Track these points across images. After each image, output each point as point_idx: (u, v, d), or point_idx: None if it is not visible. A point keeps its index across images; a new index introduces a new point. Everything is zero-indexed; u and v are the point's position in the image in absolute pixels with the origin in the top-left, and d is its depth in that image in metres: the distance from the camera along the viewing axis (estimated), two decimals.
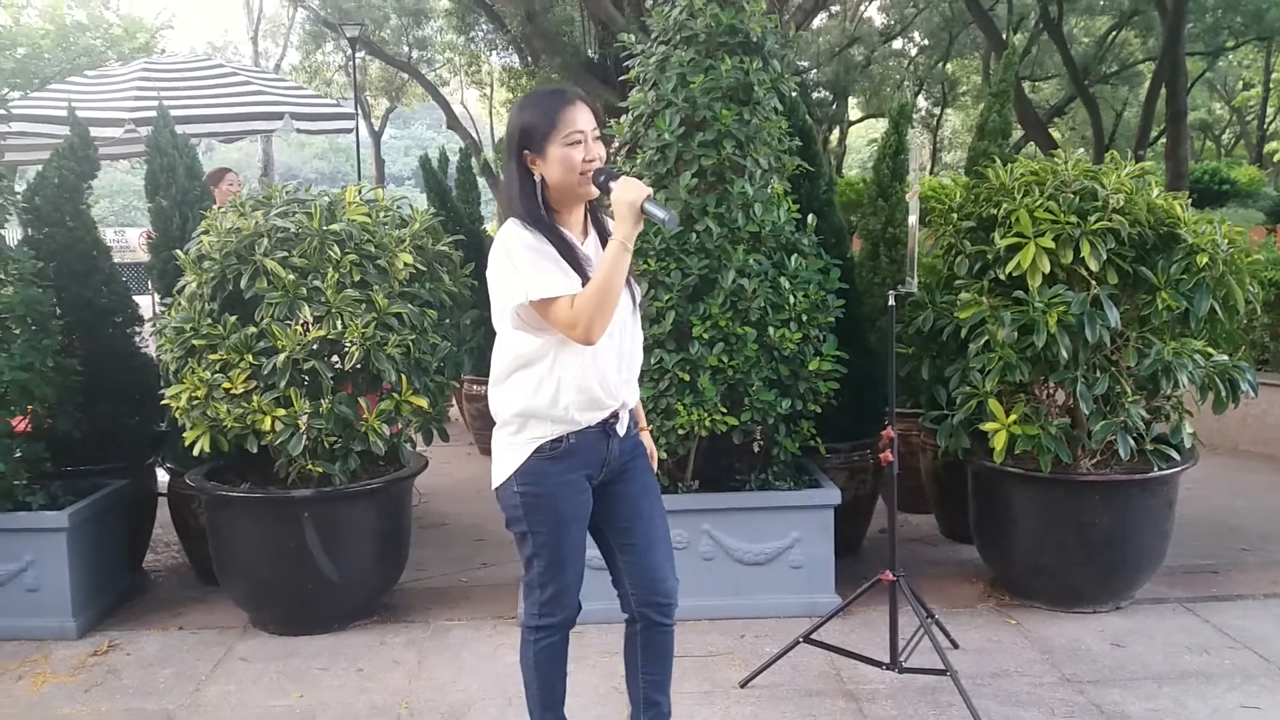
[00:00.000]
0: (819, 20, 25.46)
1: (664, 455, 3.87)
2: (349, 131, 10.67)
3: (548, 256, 2.46)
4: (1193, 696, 3.39)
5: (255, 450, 3.91)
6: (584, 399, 2.53)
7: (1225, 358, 4.00)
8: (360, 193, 4.23)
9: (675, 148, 3.92)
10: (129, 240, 21.66)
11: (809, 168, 4.50)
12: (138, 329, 4.84)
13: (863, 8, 28.75)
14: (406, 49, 28.41)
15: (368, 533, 4.11)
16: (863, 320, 4.78)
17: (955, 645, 3.75)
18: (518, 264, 2.43)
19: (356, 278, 3.91)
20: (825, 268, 4.11)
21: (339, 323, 3.84)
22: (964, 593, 4.34)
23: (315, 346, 3.86)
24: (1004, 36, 20.92)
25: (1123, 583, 4.12)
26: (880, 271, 5.14)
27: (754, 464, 4.17)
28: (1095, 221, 3.81)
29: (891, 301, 3.41)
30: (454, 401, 7.28)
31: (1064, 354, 3.79)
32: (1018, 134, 21.52)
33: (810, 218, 4.20)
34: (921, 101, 31.28)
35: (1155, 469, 3.99)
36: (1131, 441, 3.90)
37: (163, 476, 4.80)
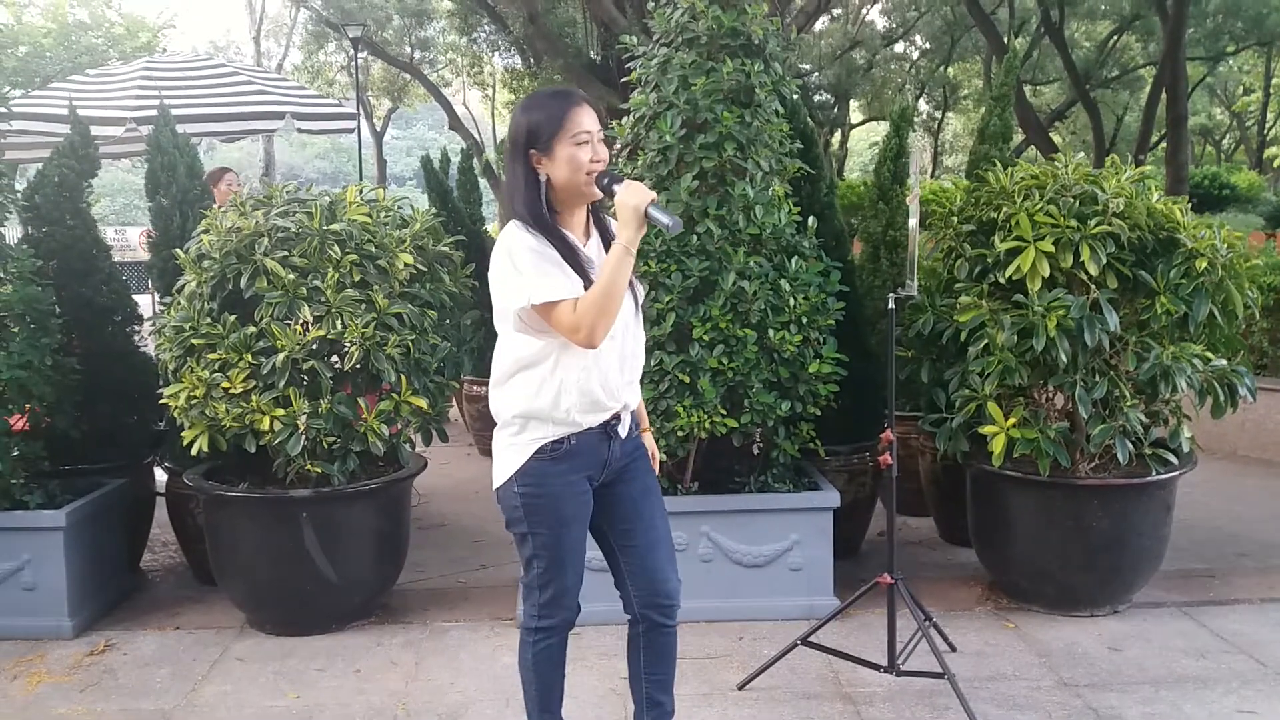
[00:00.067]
0: (821, 23, 25.48)
1: (663, 457, 3.87)
2: (350, 132, 10.68)
3: (550, 259, 2.46)
4: (1190, 701, 3.39)
5: (254, 450, 3.91)
6: (585, 401, 2.53)
7: (1224, 362, 4.00)
8: (361, 193, 4.23)
9: (676, 149, 3.92)
10: (130, 239, 21.65)
11: (810, 170, 4.50)
12: (137, 328, 4.84)
13: (865, 11, 28.76)
14: (409, 50, 28.42)
15: (366, 533, 4.11)
16: (863, 323, 4.78)
17: (953, 648, 3.75)
18: (520, 267, 2.43)
19: (357, 278, 3.91)
20: (826, 270, 4.11)
21: (339, 323, 3.84)
22: (962, 596, 4.34)
23: (315, 346, 3.86)
24: (1005, 40, 20.93)
25: (1120, 587, 4.12)
26: (880, 274, 5.15)
27: (753, 466, 4.17)
28: (1095, 226, 3.81)
29: (891, 304, 3.41)
30: (454, 402, 7.27)
31: (1063, 358, 3.79)
32: (1019, 138, 21.54)
33: (811, 220, 4.20)
34: (923, 105, 31.30)
35: (1153, 473, 3.99)
36: (1130, 445, 3.91)
37: (161, 476, 4.79)
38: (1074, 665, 3.67)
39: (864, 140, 39.73)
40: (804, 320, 3.97)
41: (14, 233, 4.88)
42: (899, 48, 30.35)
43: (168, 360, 3.98)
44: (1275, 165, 30.71)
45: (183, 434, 3.97)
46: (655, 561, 2.70)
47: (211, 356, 3.86)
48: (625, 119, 4.15)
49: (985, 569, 4.42)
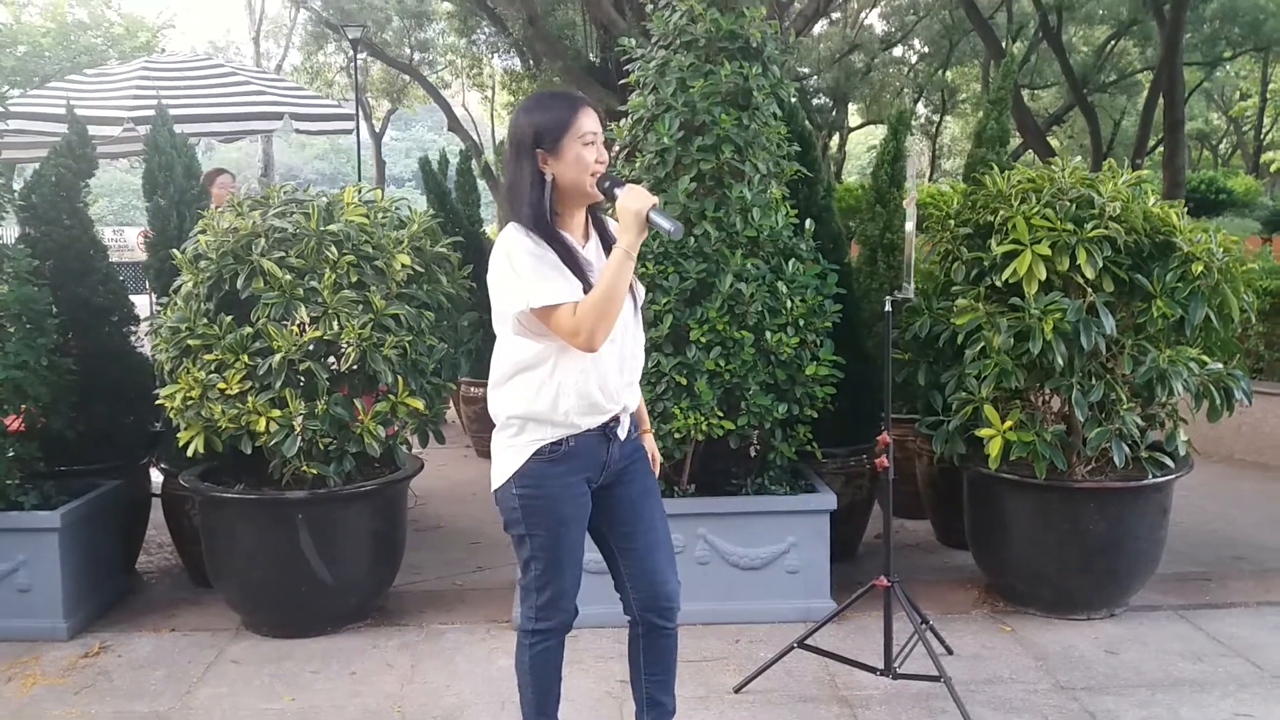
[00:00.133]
0: (820, 27, 25.48)
1: (661, 459, 3.86)
2: (348, 132, 10.68)
3: (549, 262, 2.45)
4: (1186, 704, 3.39)
5: (250, 451, 3.91)
6: (584, 404, 2.53)
7: (1220, 366, 4.00)
8: (359, 194, 4.23)
9: (674, 152, 3.93)
10: (127, 239, 21.65)
11: (807, 173, 4.50)
12: (133, 328, 4.84)
13: (863, 15, 28.78)
14: (408, 51, 28.40)
15: (362, 535, 4.10)
16: (860, 326, 4.78)
17: (950, 651, 3.75)
18: (519, 270, 2.43)
19: (354, 279, 3.91)
20: (823, 273, 4.11)
21: (335, 324, 3.83)
22: (959, 599, 4.34)
23: (311, 347, 3.85)
24: (1003, 45, 20.95)
25: (1117, 590, 4.12)
26: (878, 277, 5.15)
27: (750, 468, 4.17)
28: (1092, 229, 3.81)
29: (888, 307, 3.41)
30: (451, 404, 7.26)
31: (1060, 361, 3.79)
32: (1016, 142, 21.56)
33: (808, 223, 4.20)
34: (921, 109, 31.31)
35: (1150, 476, 3.99)
36: (1126, 449, 3.91)
37: (157, 477, 4.79)
38: (1070, 668, 3.67)
39: (862, 143, 39.77)
40: (801, 323, 3.98)
41: (11, 232, 4.88)
42: (897, 51, 30.35)
43: (164, 361, 3.97)
44: (1272, 170, 30.72)
45: (179, 435, 3.96)
46: (655, 564, 2.70)
47: (208, 357, 3.86)
48: (623, 121, 4.15)
49: (982, 572, 4.42)
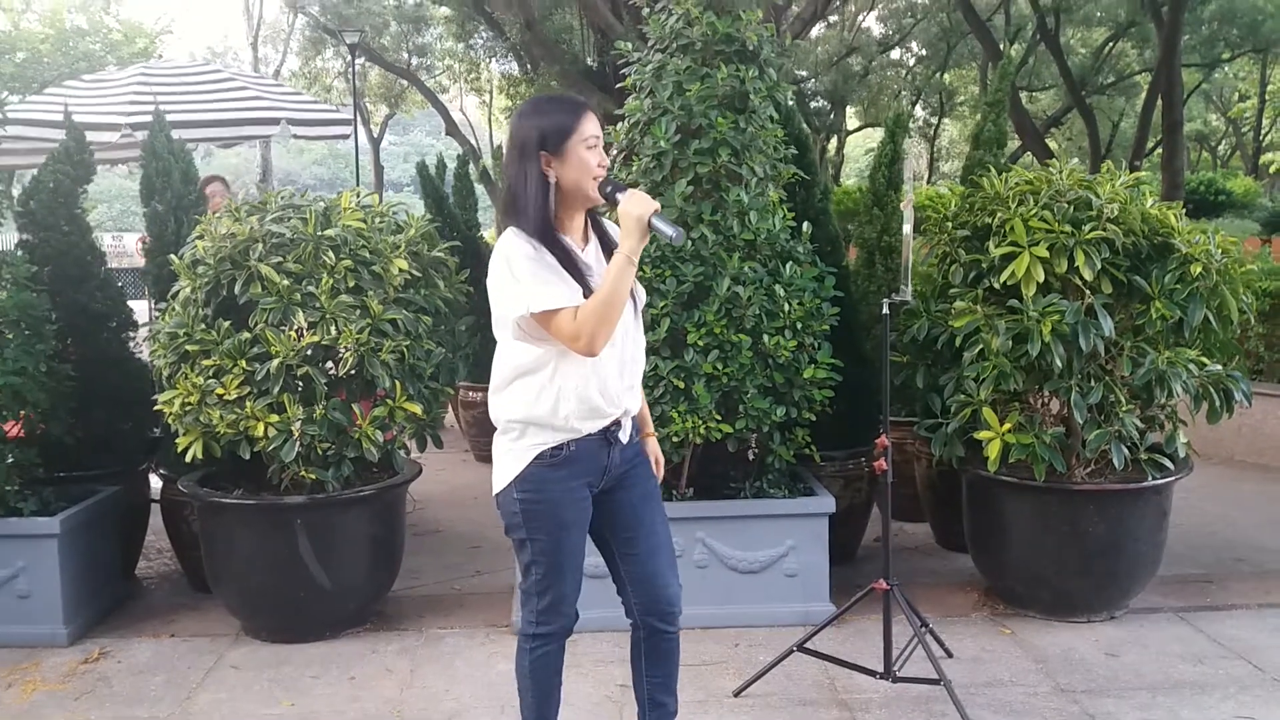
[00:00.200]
0: (817, 30, 25.49)
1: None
2: (346, 137, 10.68)
3: (548, 267, 2.45)
4: (1187, 706, 3.39)
5: (248, 456, 3.90)
6: (585, 408, 2.52)
7: (1219, 367, 4.00)
8: (356, 198, 4.23)
9: (671, 155, 3.93)
10: (127, 245, 21.62)
11: (805, 176, 4.50)
12: (132, 334, 4.83)
13: (861, 18, 28.81)
14: (406, 56, 28.43)
15: (361, 540, 4.09)
16: (858, 328, 4.78)
17: (949, 654, 3.75)
18: (518, 275, 2.43)
19: (351, 283, 3.91)
20: (820, 275, 4.11)
21: (333, 328, 3.83)
22: (958, 602, 4.34)
23: (309, 352, 3.85)
24: (1001, 47, 20.96)
25: (1117, 592, 4.11)
26: (875, 280, 5.15)
27: (749, 472, 4.17)
28: (1090, 231, 3.81)
29: (886, 310, 3.41)
30: (449, 408, 7.26)
31: (1058, 363, 3.79)
32: (1015, 144, 21.58)
33: (806, 226, 4.20)
34: (919, 111, 31.32)
35: (1149, 478, 3.99)
36: (1126, 451, 3.91)
37: (156, 483, 4.78)
38: (1070, 671, 3.67)
39: (860, 146, 39.80)
40: (799, 326, 3.97)
41: (9, 239, 4.87)
42: (895, 54, 30.39)
43: (162, 366, 3.97)
44: (1271, 171, 30.74)
45: (177, 440, 3.96)
46: (656, 568, 2.70)
47: (206, 363, 3.85)
48: (620, 124, 4.15)
49: (981, 574, 4.42)
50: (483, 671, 3.77)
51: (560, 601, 2.64)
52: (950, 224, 4.31)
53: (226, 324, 3.89)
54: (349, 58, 23.44)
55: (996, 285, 3.96)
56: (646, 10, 4.22)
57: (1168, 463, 4.05)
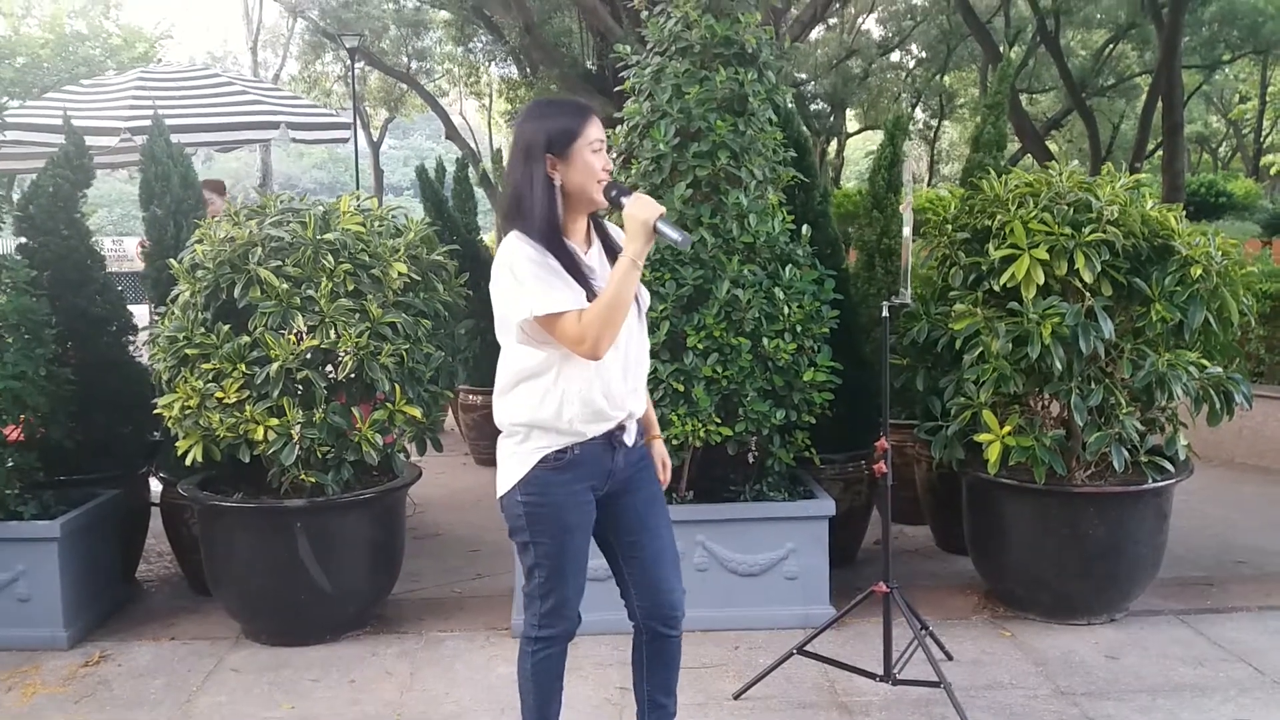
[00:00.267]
0: (817, 32, 25.50)
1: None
2: (345, 141, 10.67)
3: (552, 270, 2.45)
4: (1187, 709, 3.38)
5: (248, 460, 3.91)
6: (588, 411, 2.52)
7: (1220, 370, 4.00)
8: (356, 201, 4.23)
9: (670, 158, 3.93)
10: (127, 249, 21.62)
11: (804, 179, 4.50)
12: (132, 338, 4.83)
13: (861, 20, 28.83)
14: (405, 60, 28.45)
15: (361, 543, 4.10)
16: (857, 331, 4.78)
17: (949, 657, 3.74)
18: (521, 278, 2.43)
19: (350, 287, 3.91)
20: (820, 278, 4.11)
21: (332, 332, 3.83)
22: (958, 604, 4.33)
23: (309, 356, 3.85)
24: (1001, 49, 20.97)
25: (1117, 595, 4.11)
26: (875, 283, 5.14)
27: (748, 475, 4.17)
28: (1090, 233, 3.81)
29: (886, 312, 3.41)
30: (449, 412, 7.26)
31: (1058, 365, 3.79)
32: (1015, 146, 21.58)
33: (805, 229, 4.20)
34: (919, 114, 31.32)
35: (1150, 481, 3.99)
36: (1126, 453, 3.91)
37: (156, 486, 4.78)
38: (1071, 674, 3.66)
39: (861, 149, 39.80)
40: (798, 328, 3.97)
41: (9, 243, 4.88)
42: (895, 57, 30.40)
43: (162, 370, 3.97)
44: (1272, 173, 30.76)
45: (177, 444, 3.96)
46: (661, 572, 2.70)
47: (205, 366, 3.86)
48: (619, 128, 4.15)
49: (981, 577, 4.41)
50: (482, 674, 3.76)
51: (563, 605, 2.64)
52: (950, 226, 4.32)
53: (226, 328, 3.89)
54: (348, 62, 23.46)
55: (996, 288, 3.96)
56: (645, 13, 4.23)
57: (1168, 465, 4.04)
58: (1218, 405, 3.99)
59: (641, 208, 2.42)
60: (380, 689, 3.67)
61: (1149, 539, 4.06)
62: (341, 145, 11.61)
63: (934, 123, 32.38)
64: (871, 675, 3.42)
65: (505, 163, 2.64)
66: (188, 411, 3.86)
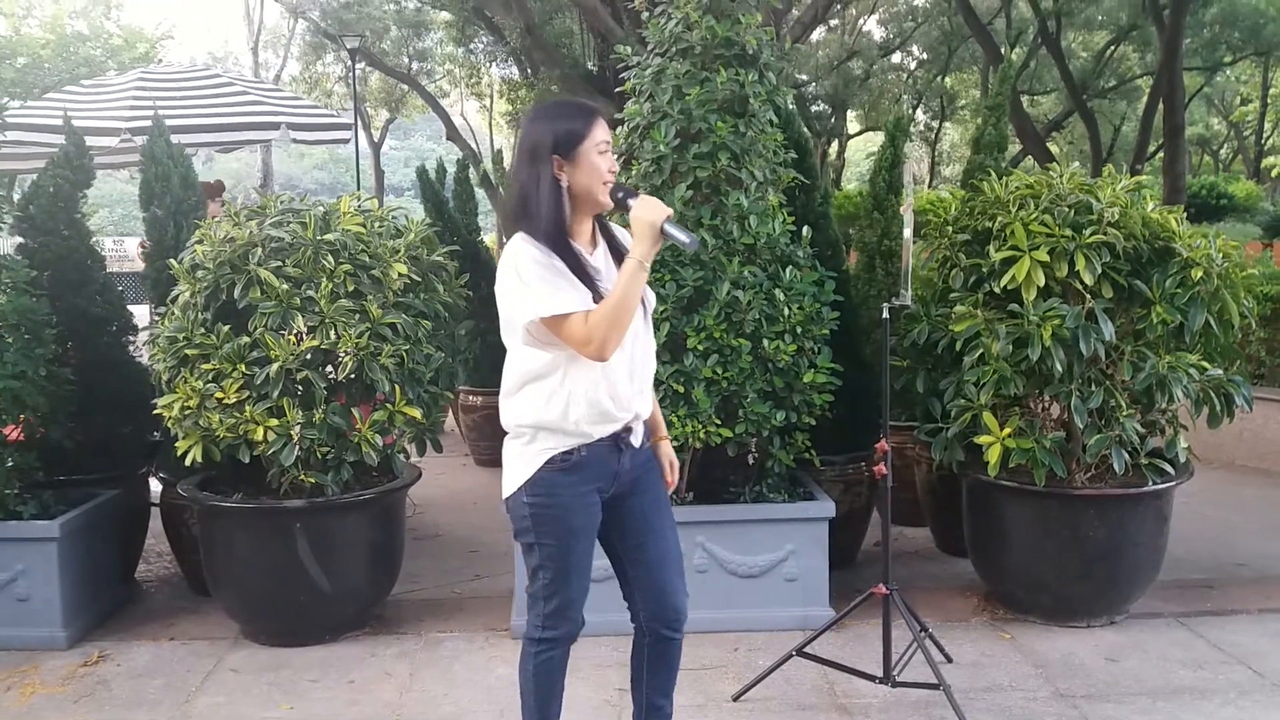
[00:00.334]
0: (818, 34, 25.49)
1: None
2: (346, 142, 10.67)
3: (558, 272, 2.45)
4: (1187, 712, 3.38)
5: (248, 460, 3.90)
6: (595, 413, 2.52)
7: (1220, 372, 4.00)
8: (356, 202, 4.23)
9: (670, 159, 3.93)
10: (128, 249, 21.62)
11: (805, 180, 4.50)
12: (132, 338, 4.83)
13: (862, 21, 28.83)
14: (406, 60, 28.45)
15: (360, 544, 4.09)
16: (858, 333, 4.78)
17: (949, 659, 3.74)
18: (527, 280, 2.42)
19: (350, 288, 3.91)
20: (820, 280, 4.11)
21: (332, 333, 3.83)
22: (958, 606, 4.33)
23: (308, 356, 3.85)
24: (1002, 51, 20.97)
25: (1117, 597, 4.11)
26: (876, 284, 5.14)
27: (748, 476, 4.17)
28: (1090, 235, 3.81)
29: (886, 314, 3.41)
30: (449, 412, 7.26)
31: (1059, 367, 3.78)
32: (1015, 148, 21.57)
33: (805, 230, 4.20)
34: (920, 115, 31.32)
35: (1150, 483, 3.99)
36: (1126, 455, 3.90)
37: (156, 486, 4.78)
38: (1070, 676, 3.66)
39: (862, 150, 39.79)
40: (799, 330, 3.97)
41: (9, 243, 4.88)
42: (896, 58, 30.40)
43: (162, 370, 3.97)
44: (1273, 175, 30.76)
45: (177, 444, 3.96)
46: (665, 575, 2.70)
47: (205, 367, 3.85)
48: (619, 129, 4.15)
49: (981, 579, 4.41)
50: (482, 675, 3.76)
51: (567, 606, 2.64)
52: (950, 228, 4.31)
53: (226, 328, 3.89)
54: (349, 63, 23.46)
55: (997, 289, 3.96)
56: (646, 14, 4.23)
57: (1168, 468, 4.04)
58: (1218, 407, 3.99)
59: (649, 210, 2.42)
60: (379, 690, 3.67)
61: (1149, 541, 4.06)
62: (342, 146, 11.61)
63: (935, 124, 32.37)
64: (871, 677, 3.41)
65: (510, 164, 2.63)
66: (187, 412, 3.86)
